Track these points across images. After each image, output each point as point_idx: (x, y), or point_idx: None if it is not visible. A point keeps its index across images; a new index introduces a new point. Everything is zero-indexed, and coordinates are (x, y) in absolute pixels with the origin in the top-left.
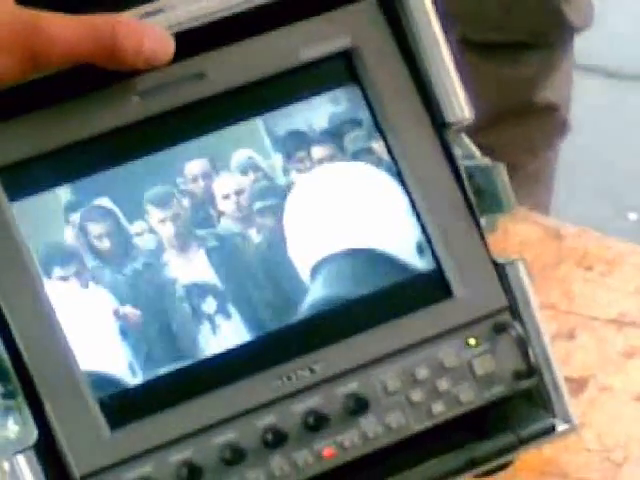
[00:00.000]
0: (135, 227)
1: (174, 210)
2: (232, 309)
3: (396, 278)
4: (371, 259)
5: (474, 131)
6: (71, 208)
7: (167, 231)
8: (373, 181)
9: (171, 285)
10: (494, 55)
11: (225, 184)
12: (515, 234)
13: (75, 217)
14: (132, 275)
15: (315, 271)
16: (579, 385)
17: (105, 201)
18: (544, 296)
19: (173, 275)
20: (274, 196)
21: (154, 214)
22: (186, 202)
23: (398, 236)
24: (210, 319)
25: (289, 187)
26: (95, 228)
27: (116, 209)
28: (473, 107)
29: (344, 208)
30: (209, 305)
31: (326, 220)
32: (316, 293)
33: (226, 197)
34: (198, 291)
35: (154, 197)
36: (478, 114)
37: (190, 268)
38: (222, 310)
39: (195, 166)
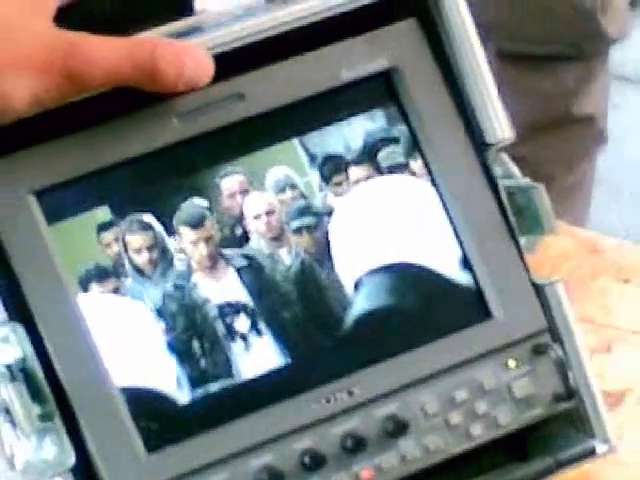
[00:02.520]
0: (173, 244)
1: (207, 231)
2: (265, 329)
3: (437, 292)
4: (413, 273)
5: (510, 144)
6: (105, 227)
7: (198, 251)
8: (413, 197)
9: (203, 305)
10: (530, 67)
11: (256, 203)
12: (552, 247)
13: (110, 234)
14: (169, 292)
15: (358, 286)
16: (616, 399)
17: (145, 216)
18: (581, 309)
19: (204, 295)
20: (311, 215)
21: (186, 234)
22: (219, 222)
23: (439, 251)
24: (244, 338)
25: (326, 205)
26: (135, 241)
27: (156, 224)
28: (509, 119)
29: (385, 223)
30: (241, 324)
31: (368, 235)
32: (359, 307)
33: (257, 217)
34: (231, 310)
35: (188, 217)
36: (514, 126)
37: (221, 288)
38: (256, 330)
39: (231, 184)
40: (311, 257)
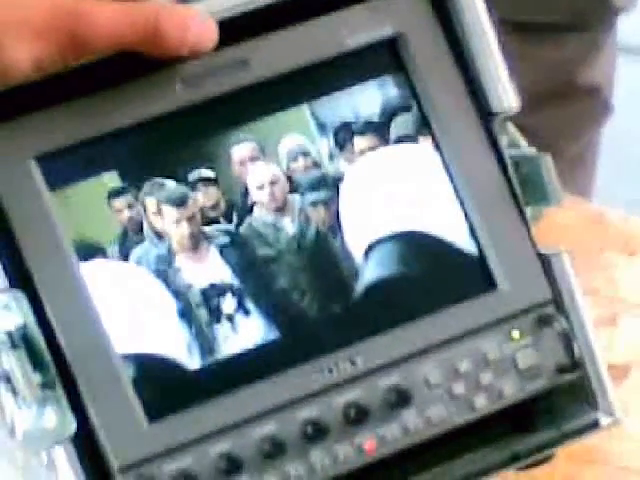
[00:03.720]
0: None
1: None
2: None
3: (442, 262)
4: (417, 242)
5: (515, 114)
6: (117, 193)
7: (180, 232)
8: (419, 167)
9: (188, 287)
10: (536, 37)
11: (260, 173)
12: (558, 219)
13: (122, 200)
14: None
15: (365, 255)
16: (622, 371)
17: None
18: (587, 282)
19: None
20: (326, 186)
21: (169, 213)
22: (224, 192)
23: (444, 221)
24: (242, 313)
25: (337, 174)
26: (153, 203)
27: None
28: (515, 89)
29: (391, 192)
30: (228, 304)
31: (375, 204)
32: (366, 276)
33: (260, 187)
34: (216, 291)
35: (170, 196)
36: (520, 96)
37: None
38: (242, 308)
39: (243, 151)
40: (322, 226)
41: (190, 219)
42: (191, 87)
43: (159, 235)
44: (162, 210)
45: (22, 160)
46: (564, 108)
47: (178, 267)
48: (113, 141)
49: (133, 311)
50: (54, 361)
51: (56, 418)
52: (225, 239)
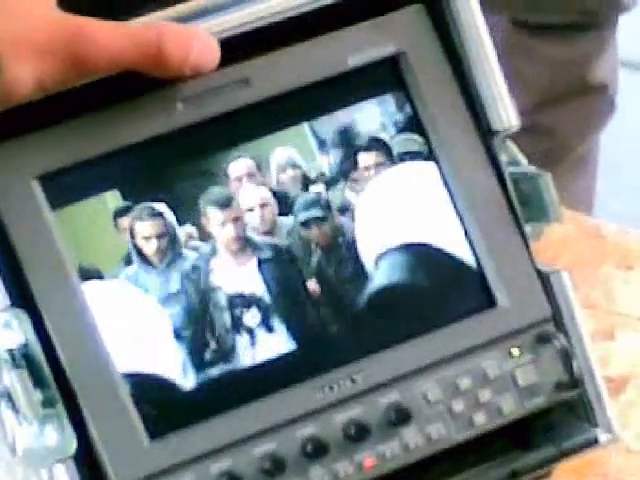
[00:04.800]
0: (186, 230)
1: (234, 212)
2: (273, 320)
3: (441, 280)
4: (417, 259)
5: (527, 112)
6: (119, 213)
7: (225, 234)
8: (419, 184)
9: (216, 292)
10: (546, 36)
11: (250, 196)
12: (556, 233)
13: (124, 220)
14: (178, 279)
15: (366, 273)
16: (619, 385)
17: (154, 204)
18: (585, 296)
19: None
20: (321, 207)
21: (213, 215)
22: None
23: (444, 239)
24: (250, 331)
25: (340, 196)
26: (144, 228)
27: (166, 211)
28: (526, 88)
29: (392, 210)
30: (252, 316)
31: (377, 222)
32: (366, 293)
33: (251, 210)
34: (242, 301)
35: (213, 198)
36: (531, 95)
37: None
38: (266, 322)
39: (239, 168)
40: (319, 246)
41: (235, 221)
42: (193, 106)
43: (146, 259)
44: (207, 212)
45: (24, 179)
46: (577, 106)
47: (211, 268)
48: (115, 160)
49: (132, 330)
50: (55, 379)
51: (57, 436)
52: (269, 253)
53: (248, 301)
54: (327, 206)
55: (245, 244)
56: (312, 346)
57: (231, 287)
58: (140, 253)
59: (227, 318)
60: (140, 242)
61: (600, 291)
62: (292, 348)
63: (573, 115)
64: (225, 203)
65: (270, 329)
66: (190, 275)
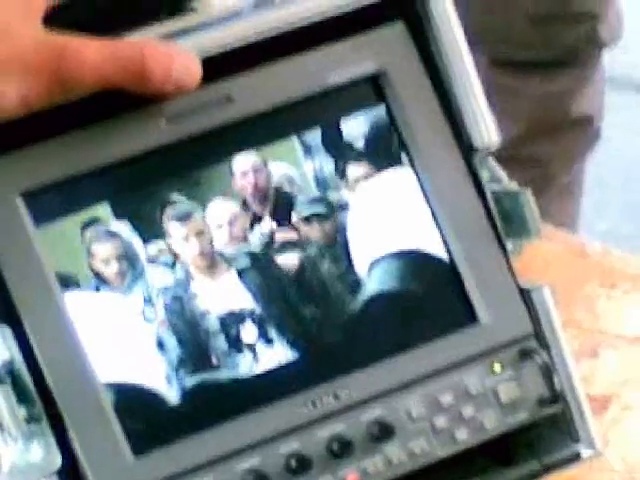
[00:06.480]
0: (152, 249)
1: (197, 226)
2: (273, 333)
3: (422, 297)
4: (396, 275)
5: (512, 144)
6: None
7: (191, 250)
8: (400, 199)
9: (204, 317)
10: (526, 73)
11: (218, 213)
12: (539, 251)
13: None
14: (142, 302)
15: (349, 289)
16: (602, 404)
17: (117, 224)
18: (568, 314)
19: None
20: (320, 206)
21: (175, 230)
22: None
23: (425, 255)
24: (250, 347)
25: (335, 201)
26: (102, 251)
27: (129, 232)
28: (510, 123)
29: (371, 224)
30: (248, 332)
31: (360, 234)
32: (348, 310)
33: (220, 227)
34: (234, 319)
35: (177, 213)
36: (515, 129)
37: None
38: (265, 336)
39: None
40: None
41: (199, 235)
42: (176, 123)
43: (103, 281)
44: (170, 227)
45: (8, 196)
46: (559, 138)
47: (194, 293)
48: (99, 177)
49: (117, 345)
50: (40, 395)
51: (42, 452)
52: (245, 261)
53: (240, 316)
54: (328, 207)
55: (214, 259)
56: (296, 363)
57: (219, 308)
58: (98, 275)
59: (223, 340)
60: (99, 264)
61: (584, 310)
62: (274, 365)
63: (559, 147)
64: (184, 217)
65: (269, 341)
66: (163, 298)
